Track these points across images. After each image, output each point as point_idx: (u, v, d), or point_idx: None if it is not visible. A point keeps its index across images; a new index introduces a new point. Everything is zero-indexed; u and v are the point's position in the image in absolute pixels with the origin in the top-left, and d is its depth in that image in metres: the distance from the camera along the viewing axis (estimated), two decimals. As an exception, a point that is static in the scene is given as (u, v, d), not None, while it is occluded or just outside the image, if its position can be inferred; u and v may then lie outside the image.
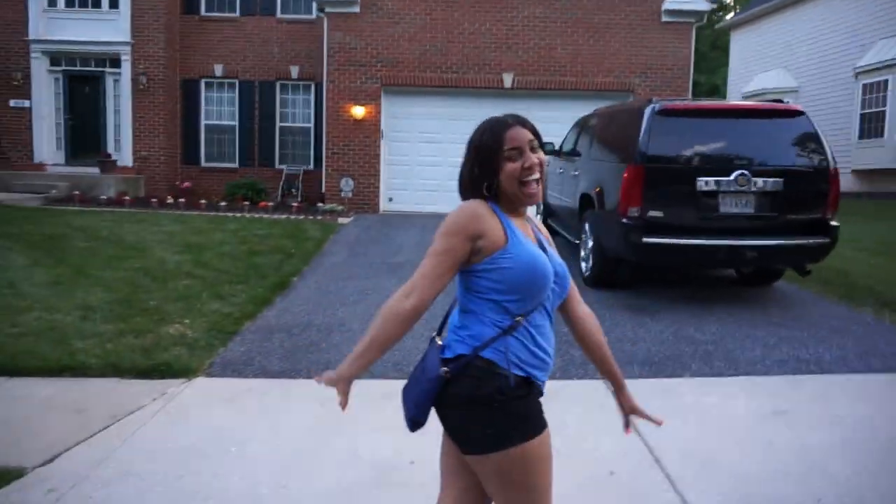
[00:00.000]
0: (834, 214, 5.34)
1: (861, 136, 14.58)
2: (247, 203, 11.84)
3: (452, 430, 1.60)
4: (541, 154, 1.60)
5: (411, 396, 1.62)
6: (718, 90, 25.79)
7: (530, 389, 1.57)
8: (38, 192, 11.83)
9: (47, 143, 13.21)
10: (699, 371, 4.19)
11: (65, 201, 11.47)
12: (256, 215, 10.88)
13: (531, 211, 1.72)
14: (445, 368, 1.55)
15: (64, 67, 13.24)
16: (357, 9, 11.59)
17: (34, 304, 5.20)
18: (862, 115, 14.55)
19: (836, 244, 5.36)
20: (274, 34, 13.47)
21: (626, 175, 5.21)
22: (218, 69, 13.58)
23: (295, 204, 11.91)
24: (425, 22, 11.68)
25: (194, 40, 13.53)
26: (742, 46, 20.22)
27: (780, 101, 6.05)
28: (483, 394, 1.52)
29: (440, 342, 1.62)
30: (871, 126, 14.31)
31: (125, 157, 13.13)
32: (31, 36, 12.80)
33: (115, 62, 13.04)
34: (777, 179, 5.11)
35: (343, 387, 1.57)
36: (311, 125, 13.78)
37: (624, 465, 2.94)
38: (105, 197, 11.73)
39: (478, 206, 1.57)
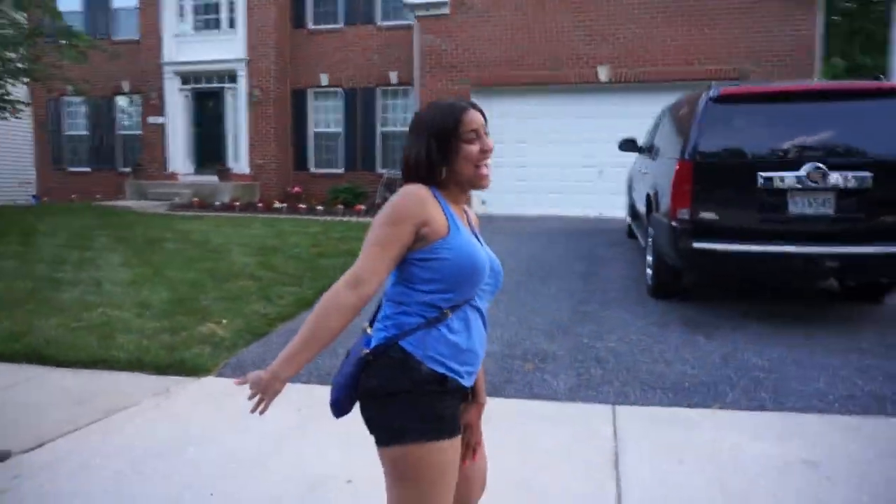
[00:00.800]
0: (949, 216, 4.30)
1: None
2: (342, 207, 12.26)
3: (366, 421, 1.56)
4: (490, 140, 1.61)
5: (336, 382, 1.60)
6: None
7: (446, 387, 1.51)
8: (166, 200, 13.18)
9: (179, 155, 14.67)
10: (735, 402, 3.56)
11: (185, 207, 12.64)
12: (346, 218, 11.21)
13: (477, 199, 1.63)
14: (367, 350, 1.53)
15: (192, 85, 14.64)
16: (447, 10, 11.55)
17: (105, 301, 5.70)
18: None
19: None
20: (374, 42, 13.84)
21: (675, 171, 4.60)
22: (323, 79, 14.24)
23: (387, 207, 12.10)
24: (515, 18, 11.35)
25: (302, 53, 14.29)
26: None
27: (878, 78, 5.01)
28: (395, 385, 1.49)
29: (370, 332, 1.59)
30: None
31: (242, 166, 14.21)
32: (165, 59, 14.30)
33: (233, 78, 14.15)
34: (864, 174, 4.21)
35: (277, 388, 1.48)
36: (410, 129, 13.94)
37: (575, 508, 2.53)
38: (219, 203, 12.76)
39: (423, 191, 1.52)
